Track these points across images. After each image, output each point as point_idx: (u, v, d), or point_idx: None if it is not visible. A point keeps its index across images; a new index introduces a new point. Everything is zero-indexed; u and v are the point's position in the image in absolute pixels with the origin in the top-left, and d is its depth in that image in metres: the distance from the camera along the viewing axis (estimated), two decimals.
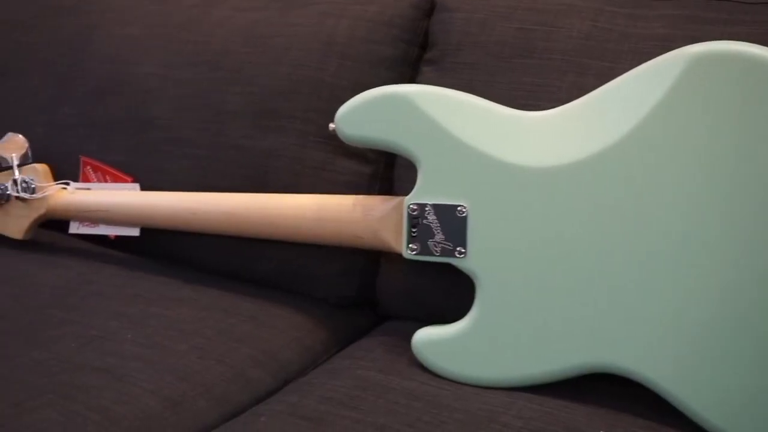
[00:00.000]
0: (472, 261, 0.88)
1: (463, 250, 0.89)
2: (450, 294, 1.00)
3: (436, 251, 0.90)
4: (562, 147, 0.86)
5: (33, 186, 1.18)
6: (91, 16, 1.34)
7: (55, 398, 0.84)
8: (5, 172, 1.20)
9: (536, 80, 0.99)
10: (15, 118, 1.34)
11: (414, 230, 0.91)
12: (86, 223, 1.20)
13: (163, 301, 1.06)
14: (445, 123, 0.89)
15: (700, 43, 0.81)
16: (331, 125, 0.94)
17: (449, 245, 0.89)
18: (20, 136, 1.21)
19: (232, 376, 0.94)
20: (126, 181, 1.20)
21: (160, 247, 1.20)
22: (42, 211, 1.18)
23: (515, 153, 0.87)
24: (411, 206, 0.90)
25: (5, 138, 1.21)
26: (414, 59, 1.12)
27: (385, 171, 1.10)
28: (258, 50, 1.16)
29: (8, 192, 1.18)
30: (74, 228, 1.22)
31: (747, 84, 0.78)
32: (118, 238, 1.20)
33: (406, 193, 0.91)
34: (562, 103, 0.89)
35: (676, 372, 0.81)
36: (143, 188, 1.19)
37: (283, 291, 1.13)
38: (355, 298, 1.11)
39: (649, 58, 0.84)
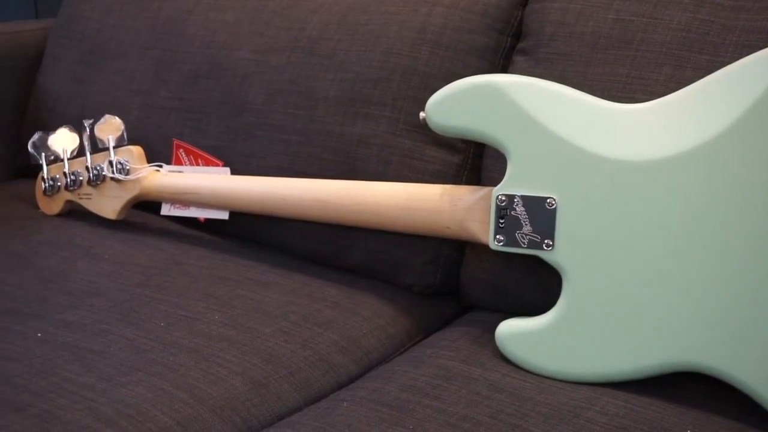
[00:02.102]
0: (559, 254, 0.87)
1: (551, 243, 0.87)
2: (535, 287, 0.98)
3: (523, 243, 0.89)
4: (656, 141, 0.84)
5: (127, 168, 1.20)
6: (189, 1, 1.37)
7: (144, 375, 0.86)
8: (101, 154, 1.23)
9: (632, 72, 0.97)
10: (112, 101, 1.38)
11: (501, 221, 0.90)
12: (177, 206, 1.23)
13: (250, 284, 1.08)
14: (537, 114, 0.88)
15: None
16: (422, 114, 0.93)
17: (537, 237, 0.88)
18: (117, 118, 1.24)
19: (315, 361, 0.95)
20: (217, 165, 1.21)
21: (248, 231, 1.22)
22: (135, 192, 1.20)
23: (607, 146, 0.85)
24: (499, 197, 0.89)
25: (102, 120, 1.24)
26: (507, 49, 1.11)
27: (473, 161, 1.09)
28: (351, 37, 1.17)
29: (103, 173, 1.21)
30: (166, 210, 1.24)
31: None
32: (208, 221, 1.22)
33: (494, 184, 0.91)
34: (658, 97, 0.87)
35: (765, 372, 0.79)
36: (236, 172, 1.21)
37: (368, 278, 1.13)
38: (439, 288, 1.11)
39: (754, 52, 0.81)
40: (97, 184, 1.23)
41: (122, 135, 1.23)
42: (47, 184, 1.27)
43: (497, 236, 0.90)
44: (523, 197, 0.88)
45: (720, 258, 0.81)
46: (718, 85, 0.82)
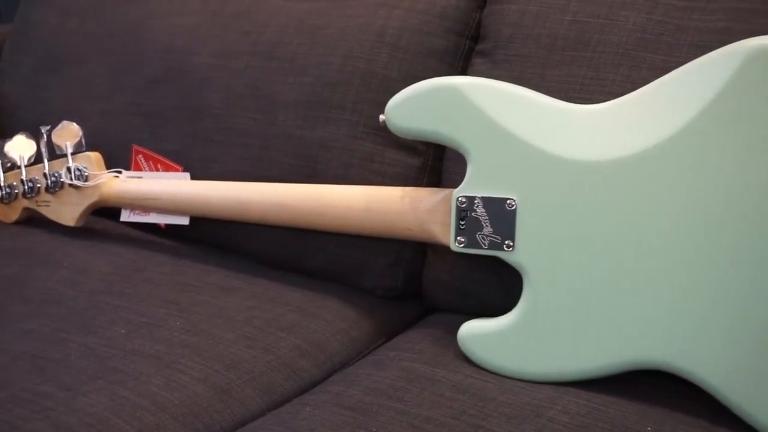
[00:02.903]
0: (520, 254, 0.88)
1: (511, 244, 0.88)
2: (497, 288, 0.99)
3: (484, 244, 0.89)
4: (613, 141, 0.84)
5: (86, 174, 1.19)
6: (148, 6, 1.36)
7: (105, 383, 0.86)
8: (59, 160, 1.22)
9: (589, 73, 0.98)
10: (71, 107, 1.36)
11: (462, 223, 0.90)
12: (137, 211, 1.22)
13: (212, 290, 1.07)
14: (496, 115, 0.88)
15: (758, 37, 0.79)
16: (381, 117, 0.93)
17: (497, 238, 0.88)
18: (74, 124, 1.23)
19: (278, 366, 0.94)
20: (177, 170, 1.21)
21: (210, 236, 1.21)
22: (94, 198, 1.19)
23: (566, 146, 0.86)
24: (460, 199, 0.90)
25: (60, 126, 1.23)
26: (466, 51, 1.11)
27: (434, 163, 1.09)
28: (310, 41, 1.17)
29: (62, 180, 1.20)
30: (125, 216, 1.23)
31: None
32: (168, 226, 1.21)
33: (455, 186, 0.91)
34: (615, 97, 0.87)
35: (727, 371, 0.80)
36: (196, 177, 1.20)
37: (331, 282, 1.13)
38: (401, 290, 1.11)
39: (707, 52, 0.82)
40: (56, 191, 1.21)
41: (80, 141, 1.21)
42: (4, 192, 1.26)
43: (458, 238, 0.91)
44: (483, 199, 0.89)
45: (680, 256, 0.81)
46: (674, 85, 0.83)
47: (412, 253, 1.09)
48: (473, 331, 0.91)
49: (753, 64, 0.78)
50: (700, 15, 0.96)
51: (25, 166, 1.24)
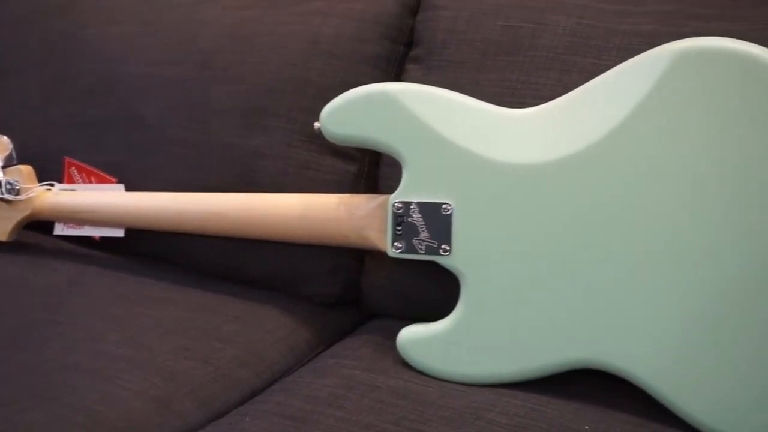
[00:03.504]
0: (456, 259, 0.88)
1: (447, 248, 0.88)
2: (435, 292, 0.99)
3: (420, 249, 0.90)
4: (547, 144, 0.85)
5: (17, 188, 1.17)
6: (81, 16, 1.34)
7: (41, 400, 0.84)
8: None
9: (521, 77, 0.99)
10: (3, 119, 1.34)
11: (399, 228, 0.90)
12: (71, 225, 1.20)
13: (149, 302, 1.06)
14: (430, 121, 0.89)
15: (684, 39, 0.81)
16: (316, 124, 0.93)
17: (434, 243, 0.89)
18: (4, 137, 1.20)
19: (218, 377, 0.94)
20: (111, 182, 1.19)
21: (146, 247, 1.20)
22: (26, 212, 1.17)
23: (500, 150, 0.87)
24: (396, 204, 0.90)
25: None
26: (400, 57, 1.12)
27: (370, 169, 1.10)
28: (246, 49, 1.16)
29: None
30: (59, 229, 1.21)
31: (732, 80, 0.78)
32: (103, 239, 1.20)
33: (392, 192, 0.91)
34: (547, 100, 0.88)
35: (662, 369, 0.81)
36: (131, 188, 1.18)
37: (269, 291, 1.12)
38: (340, 297, 1.11)
39: (636, 55, 0.83)
40: None
41: (11, 154, 1.19)
42: None
43: (395, 243, 0.91)
44: (419, 204, 0.89)
45: (610, 256, 0.82)
46: (604, 88, 0.85)
47: (350, 259, 1.09)
48: (412, 336, 0.91)
49: (679, 66, 0.80)
50: (628, 19, 0.97)
51: None
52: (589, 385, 0.88)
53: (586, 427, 0.81)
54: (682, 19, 0.95)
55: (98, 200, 1.13)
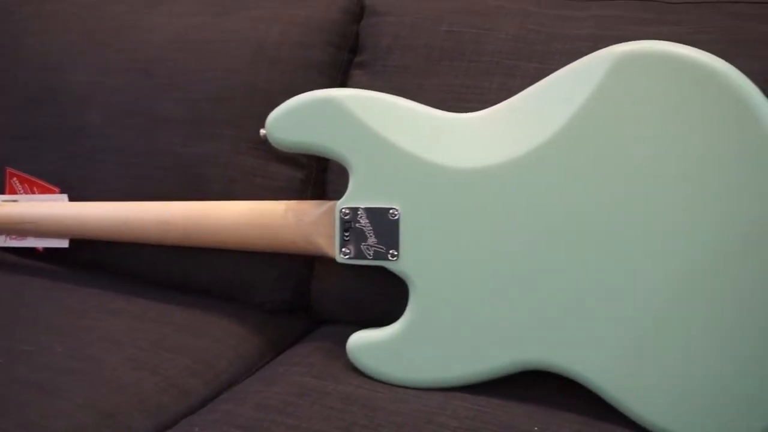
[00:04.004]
0: (404, 263, 0.88)
1: (395, 253, 0.89)
2: (384, 297, 0.99)
3: (368, 254, 0.90)
4: (492, 148, 0.86)
5: None
6: (22, 24, 1.32)
7: None
8: None
9: (466, 82, 1.00)
10: None
11: (346, 234, 0.90)
12: (13, 237, 1.18)
13: (95, 313, 1.04)
14: (376, 126, 0.89)
15: (625, 43, 0.82)
16: (262, 131, 0.93)
17: (382, 248, 0.89)
18: None
19: (166, 387, 0.93)
20: (53, 192, 1.18)
21: (91, 258, 1.18)
22: None
23: (446, 155, 0.87)
24: (343, 210, 0.90)
25: None
26: (345, 63, 1.12)
27: (318, 175, 1.09)
28: (191, 56, 1.15)
29: None
30: (1, 241, 1.19)
31: (671, 82, 0.80)
32: (47, 250, 1.18)
33: (340, 198, 0.91)
34: (492, 105, 0.89)
35: (609, 370, 0.82)
36: (76, 198, 1.17)
37: (218, 299, 1.12)
38: (290, 304, 1.11)
39: (578, 59, 0.85)
40: None
41: None
42: None
43: (343, 249, 0.91)
44: (366, 209, 0.89)
45: (557, 259, 0.83)
46: (547, 91, 0.86)
47: (299, 266, 1.09)
48: (362, 341, 0.91)
49: (620, 69, 0.81)
50: (570, 23, 0.98)
51: None
52: (539, 386, 0.89)
53: (536, 428, 0.82)
54: (623, 23, 0.97)
55: (41, 211, 1.11)
